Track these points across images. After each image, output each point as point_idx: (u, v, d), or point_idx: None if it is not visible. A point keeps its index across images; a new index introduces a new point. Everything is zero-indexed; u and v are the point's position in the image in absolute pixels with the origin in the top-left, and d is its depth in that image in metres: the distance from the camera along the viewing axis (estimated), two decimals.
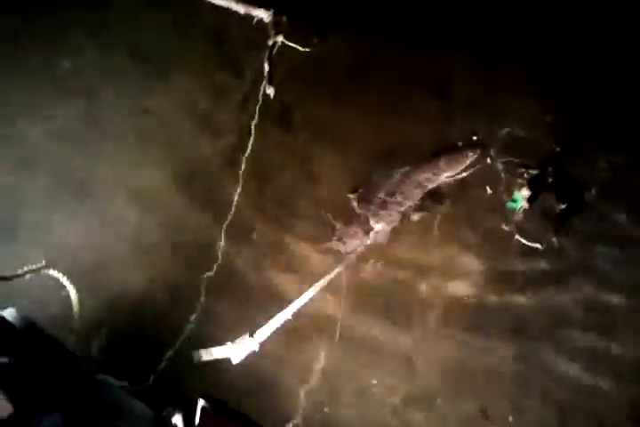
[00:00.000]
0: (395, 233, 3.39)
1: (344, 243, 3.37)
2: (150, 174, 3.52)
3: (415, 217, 3.42)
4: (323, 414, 2.99)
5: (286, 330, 3.07)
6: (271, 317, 3.00)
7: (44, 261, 2.13)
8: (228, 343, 2.86)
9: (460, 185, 3.47)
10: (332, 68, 3.74)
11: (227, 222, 3.33)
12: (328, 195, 3.49)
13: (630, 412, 2.94)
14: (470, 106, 3.62)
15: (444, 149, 3.50)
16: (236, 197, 3.39)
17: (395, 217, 3.41)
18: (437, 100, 3.65)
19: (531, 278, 3.23)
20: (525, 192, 3.31)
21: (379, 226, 3.38)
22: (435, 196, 3.46)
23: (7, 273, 1.92)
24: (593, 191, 3.37)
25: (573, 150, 3.45)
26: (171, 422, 1.66)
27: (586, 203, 3.35)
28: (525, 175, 3.38)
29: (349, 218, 3.42)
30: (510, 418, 2.96)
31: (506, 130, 3.50)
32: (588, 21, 3.65)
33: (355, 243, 3.37)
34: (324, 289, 3.19)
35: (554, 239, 3.28)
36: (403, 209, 3.43)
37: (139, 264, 3.26)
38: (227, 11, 3.71)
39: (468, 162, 3.46)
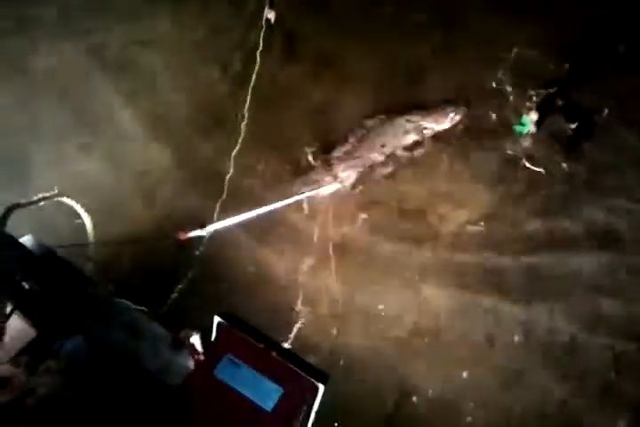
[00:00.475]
0: (404, 164, 3.36)
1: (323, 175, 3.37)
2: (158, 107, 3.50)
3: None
4: None
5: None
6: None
7: (56, 189, 2.13)
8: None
9: (468, 107, 3.38)
10: None
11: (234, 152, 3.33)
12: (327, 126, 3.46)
13: None
14: (479, 27, 3.50)
15: (427, 105, 3.39)
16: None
17: (360, 167, 3.37)
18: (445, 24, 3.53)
19: (539, 204, 3.20)
20: (534, 116, 3.23)
21: (344, 174, 3.35)
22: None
23: (22, 200, 1.93)
24: (604, 114, 3.27)
25: (585, 71, 3.33)
26: (188, 342, 1.71)
27: (597, 126, 3.26)
28: (535, 99, 3.28)
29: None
30: (516, 338, 2.99)
31: (515, 50, 3.38)
32: None
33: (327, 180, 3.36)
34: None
35: (564, 165, 3.22)
36: (372, 159, 3.38)
37: (150, 194, 3.31)
38: None
39: (448, 122, 3.35)
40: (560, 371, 2.89)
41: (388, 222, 3.25)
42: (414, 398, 2.88)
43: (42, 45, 3.68)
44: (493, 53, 3.41)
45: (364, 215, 3.27)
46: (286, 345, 1.65)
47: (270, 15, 3.46)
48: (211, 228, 2.62)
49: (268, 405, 1.53)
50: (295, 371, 1.58)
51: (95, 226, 2.20)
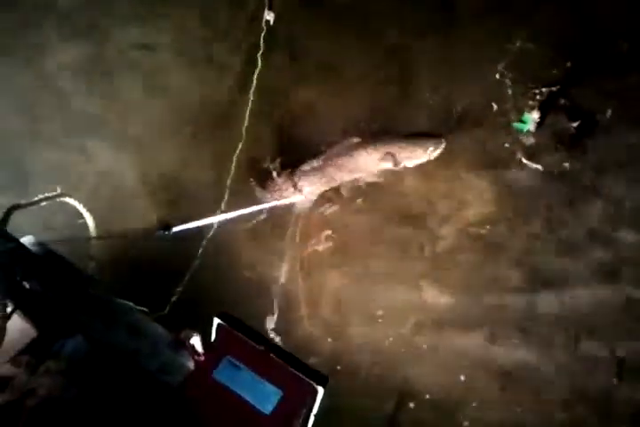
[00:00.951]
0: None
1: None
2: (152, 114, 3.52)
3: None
4: None
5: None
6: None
7: (59, 189, 2.12)
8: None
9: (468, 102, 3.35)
10: None
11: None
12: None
13: None
14: (481, 18, 3.47)
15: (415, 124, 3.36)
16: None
17: (324, 185, 3.34)
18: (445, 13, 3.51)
19: (541, 203, 3.18)
20: (535, 115, 3.20)
21: (308, 189, 3.32)
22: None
23: (23, 201, 1.92)
24: (608, 113, 3.24)
25: (587, 70, 3.30)
26: (189, 343, 1.70)
27: (600, 125, 3.23)
28: (538, 97, 3.24)
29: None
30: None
31: (517, 43, 3.33)
32: None
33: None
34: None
35: (566, 164, 3.19)
36: (337, 181, 3.34)
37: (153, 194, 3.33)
38: None
39: (425, 156, 3.28)
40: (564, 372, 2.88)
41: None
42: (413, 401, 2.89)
43: (44, 47, 3.67)
44: (494, 50, 3.38)
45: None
46: (285, 347, 1.66)
47: (270, 17, 3.43)
48: (175, 229, 2.57)
49: (267, 408, 1.52)
50: (295, 374, 1.58)
51: (98, 225, 2.20)
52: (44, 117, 3.53)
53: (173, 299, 3.04)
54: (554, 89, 3.27)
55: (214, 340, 1.70)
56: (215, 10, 3.68)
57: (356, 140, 3.38)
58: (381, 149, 3.29)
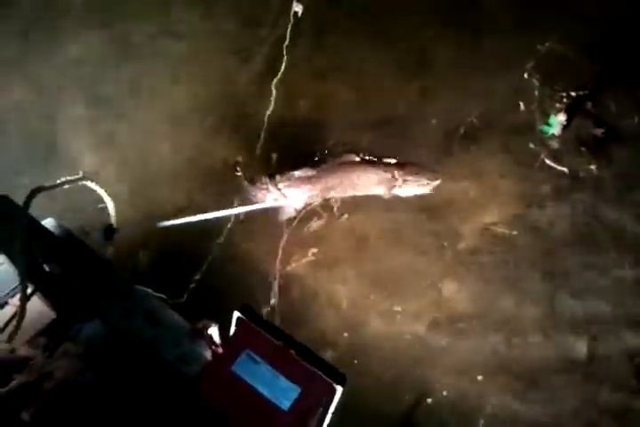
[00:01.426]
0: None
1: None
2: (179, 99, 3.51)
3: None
4: None
5: None
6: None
7: (81, 173, 2.12)
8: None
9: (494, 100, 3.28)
10: None
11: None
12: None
13: None
14: (512, 20, 3.43)
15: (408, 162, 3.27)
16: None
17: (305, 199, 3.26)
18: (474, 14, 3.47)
19: (565, 207, 3.13)
20: (562, 117, 3.16)
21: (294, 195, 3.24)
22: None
23: (46, 184, 1.92)
24: (636, 121, 3.20)
25: (617, 75, 3.26)
26: (206, 333, 1.69)
27: (627, 133, 3.19)
28: (565, 100, 3.21)
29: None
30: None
31: (547, 44, 3.29)
32: None
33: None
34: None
35: (592, 167, 3.13)
36: (326, 195, 3.26)
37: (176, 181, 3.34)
38: None
39: (420, 189, 3.22)
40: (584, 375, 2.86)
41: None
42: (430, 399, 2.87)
43: (68, 34, 3.67)
44: (524, 50, 3.34)
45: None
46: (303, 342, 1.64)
47: (298, 8, 3.40)
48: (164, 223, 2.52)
49: (285, 404, 1.51)
50: (313, 371, 1.56)
51: (119, 211, 2.19)
52: (69, 102, 3.54)
53: (192, 286, 3.04)
54: (581, 93, 3.22)
55: (233, 333, 1.68)
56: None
57: (356, 157, 3.32)
58: (380, 173, 3.24)
